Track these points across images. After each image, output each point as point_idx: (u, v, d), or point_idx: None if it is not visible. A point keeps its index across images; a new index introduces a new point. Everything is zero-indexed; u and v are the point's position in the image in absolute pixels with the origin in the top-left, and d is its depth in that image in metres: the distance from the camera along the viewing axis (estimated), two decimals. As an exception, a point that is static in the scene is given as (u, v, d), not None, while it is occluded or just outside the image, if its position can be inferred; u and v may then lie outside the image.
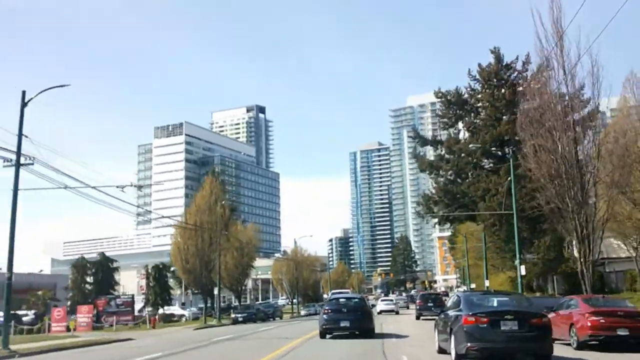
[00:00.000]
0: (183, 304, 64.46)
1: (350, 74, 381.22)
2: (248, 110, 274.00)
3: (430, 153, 63.10)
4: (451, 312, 14.29)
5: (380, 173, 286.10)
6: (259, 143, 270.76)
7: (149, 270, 51.06)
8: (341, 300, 23.96)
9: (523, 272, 32.74)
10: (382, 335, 22.27)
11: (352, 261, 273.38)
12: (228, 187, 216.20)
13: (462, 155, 47.90)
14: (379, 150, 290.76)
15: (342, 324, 21.38)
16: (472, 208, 48.10)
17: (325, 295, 75.94)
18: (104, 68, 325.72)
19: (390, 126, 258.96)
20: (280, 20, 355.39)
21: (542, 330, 12.58)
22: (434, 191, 51.78)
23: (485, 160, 47.53)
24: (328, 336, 21.56)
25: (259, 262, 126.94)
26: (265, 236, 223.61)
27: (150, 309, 49.10)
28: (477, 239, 68.56)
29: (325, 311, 22.16)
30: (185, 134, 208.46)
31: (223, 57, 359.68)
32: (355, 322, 21.42)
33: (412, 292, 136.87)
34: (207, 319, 43.45)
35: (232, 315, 45.83)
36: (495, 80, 47.58)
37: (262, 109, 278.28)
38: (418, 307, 38.64)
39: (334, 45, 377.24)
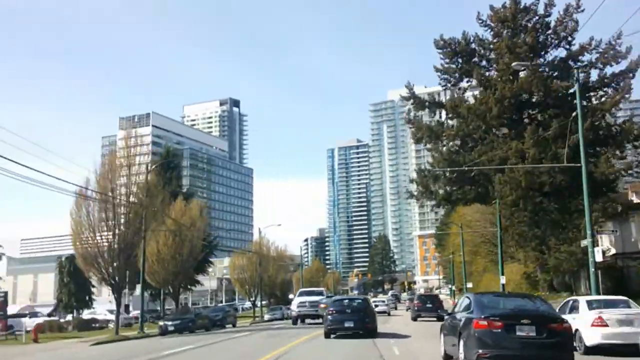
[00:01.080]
0: (128, 305, 53.55)
1: (329, 70, 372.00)
2: (221, 104, 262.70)
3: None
4: (460, 315, 12.88)
5: (359, 171, 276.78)
6: (233, 138, 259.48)
7: (63, 263, 39.31)
8: (345, 301, 24.57)
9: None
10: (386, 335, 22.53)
11: (328, 261, 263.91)
12: (199, 182, 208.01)
13: (471, 117, 37.73)
14: (357, 147, 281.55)
15: (347, 324, 21.97)
16: (483, 184, 38.23)
17: (291, 296, 64.85)
18: (74, 58, 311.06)
19: (370, 121, 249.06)
20: (257, 14, 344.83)
21: (562, 336, 11.31)
22: (432, 164, 41.57)
23: (505, 119, 37.36)
24: (332, 336, 21.95)
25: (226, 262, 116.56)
26: (237, 234, 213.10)
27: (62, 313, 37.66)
28: (474, 228, 59.01)
29: (330, 312, 22.60)
30: (153, 125, 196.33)
31: (196, 50, 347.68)
32: (359, 323, 22.01)
33: (390, 293, 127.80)
34: (139, 327, 32.73)
35: (161, 324, 34.05)
36: (512, 24, 37.61)
37: (236, 103, 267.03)
38: (416, 308, 37.19)
39: (312, 40, 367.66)
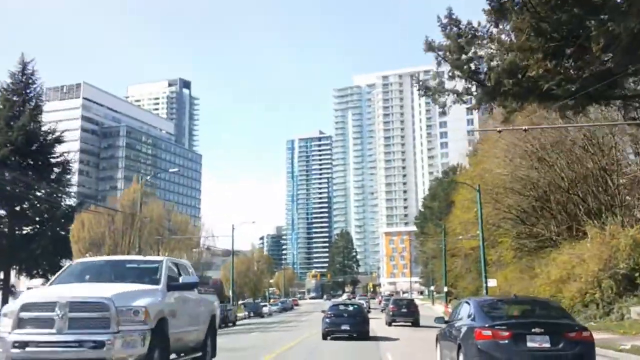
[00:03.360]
0: None
1: (289, 56, 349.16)
2: (170, 85, 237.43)
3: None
4: (459, 324, 11.22)
5: (320, 164, 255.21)
6: (182, 121, 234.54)
7: None
8: (341, 307, 26.35)
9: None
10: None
11: (285, 262, 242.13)
12: (142, 164, 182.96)
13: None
14: (319, 139, 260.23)
15: (343, 327, 23.62)
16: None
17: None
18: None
19: (334, 108, 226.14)
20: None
21: (583, 347, 9.55)
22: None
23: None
24: (329, 338, 23.36)
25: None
26: (183, 226, 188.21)
27: None
28: (496, 195, 37.12)
29: (328, 315, 24.40)
30: (84, 98, 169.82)
31: (143, 27, 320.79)
32: (354, 326, 23.68)
33: (358, 296, 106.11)
34: None
35: None
36: None
37: (186, 84, 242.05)
38: (391, 313, 35.32)
39: (269, 23, 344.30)
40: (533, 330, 9.54)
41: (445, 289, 55.47)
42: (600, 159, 28.98)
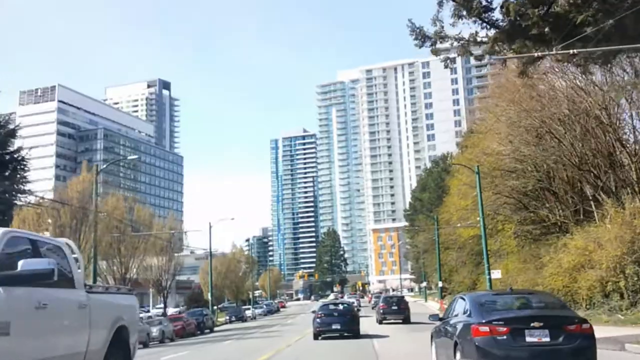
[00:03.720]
0: None
1: (271, 53, 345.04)
2: (149, 86, 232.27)
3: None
4: (455, 320, 10.81)
5: (305, 163, 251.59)
6: (162, 123, 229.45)
7: None
8: (332, 306, 26.28)
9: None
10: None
11: (271, 263, 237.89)
12: (121, 167, 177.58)
13: None
14: (303, 137, 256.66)
15: (334, 327, 23.66)
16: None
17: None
18: None
19: (318, 105, 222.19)
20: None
21: (583, 340, 9.24)
22: None
23: None
24: (320, 337, 23.34)
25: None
26: (147, 221, 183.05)
27: None
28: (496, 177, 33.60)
29: (319, 315, 24.42)
30: (59, 100, 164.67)
31: (119, 27, 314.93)
32: (345, 325, 23.82)
33: (346, 296, 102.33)
34: None
35: None
36: None
37: (166, 85, 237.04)
38: (381, 311, 34.67)
39: (250, 19, 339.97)
40: (532, 324, 9.27)
41: (440, 284, 51.97)
42: (616, 130, 25.58)
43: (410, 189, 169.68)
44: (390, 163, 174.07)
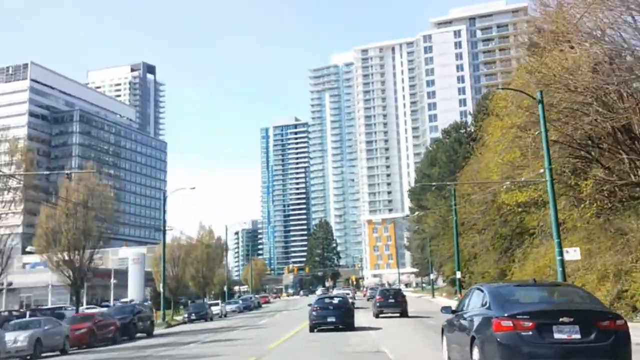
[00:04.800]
0: None
1: (262, 40, 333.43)
2: (133, 70, 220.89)
3: None
4: (471, 314, 10.05)
5: (297, 152, 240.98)
6: (146, 109, 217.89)
7: None
8: (326, 300, 26.59)
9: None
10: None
11: (260, 257, 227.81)
12: (99, 152, 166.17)
13: None
14: (295, 126, 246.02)
15: (329, 319, 23.96)
16: None
17: None
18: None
19: (310, 90, 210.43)
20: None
21: (617, 338, 8.47)
22: None
23: None
24: (316, 330, 23.51)
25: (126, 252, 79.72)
26: (147, 221, 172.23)
27: None
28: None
29: (314, 309, 24.53)
30: (32, 79, 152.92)
31: (103, 9, 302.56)
32: (339, 318, 24.04)
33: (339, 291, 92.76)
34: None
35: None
36: None
37: (151, 69, 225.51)
38: (378, 304, 33.64)
39: (241, 8, 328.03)
40: (561, 319, 8.47)
41: (458, 275, 41.67)
42: None
43: (408, 177, 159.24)
44: (387, 149, 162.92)
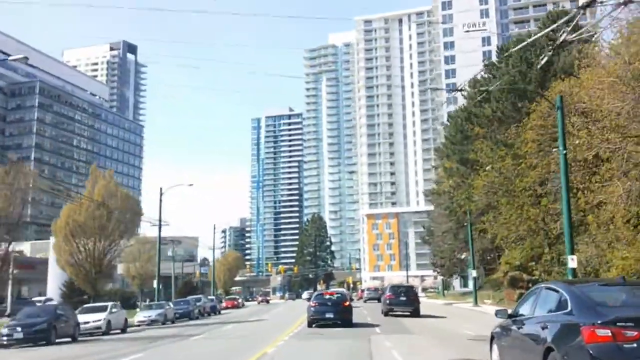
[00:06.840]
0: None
1: (255, 24, 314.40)
2: (112, 48, 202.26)
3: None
4: (544, 319, 8.04)
5: (290, 144, 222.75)
6: (124, 91, 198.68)
7: None
8: (325, 296, 26.23)
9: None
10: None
11: (249, 257, 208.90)
12: (61, 130, 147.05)
13: None
14: (289, 116, 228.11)
15: (327, 315, 24.19)
16: None
17: None
18: None
19: (305, 72, 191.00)
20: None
21: None
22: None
23: None
24: (314, 325, 23.75)
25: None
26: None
27: None
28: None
29: (313, 305, 24.72)
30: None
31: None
32: (338, 314, 24.19)
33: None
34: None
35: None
36: None
37: (132, 48, 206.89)
38: (388, 302, 32.72)
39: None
40: None
41: (572, 263, 22.10)
42: None
43: (415, 165, 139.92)
44: (390, 134, 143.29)
